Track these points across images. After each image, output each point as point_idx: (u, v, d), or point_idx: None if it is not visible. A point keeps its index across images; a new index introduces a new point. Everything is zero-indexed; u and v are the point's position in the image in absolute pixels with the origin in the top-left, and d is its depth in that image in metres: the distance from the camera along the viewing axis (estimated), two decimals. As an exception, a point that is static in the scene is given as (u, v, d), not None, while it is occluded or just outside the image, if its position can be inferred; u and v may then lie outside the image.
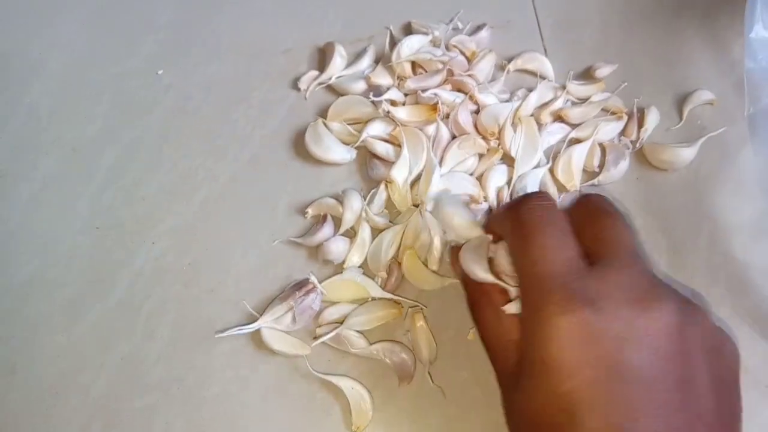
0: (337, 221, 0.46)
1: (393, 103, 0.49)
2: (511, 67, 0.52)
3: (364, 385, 0.42)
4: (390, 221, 0.46)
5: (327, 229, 0.46)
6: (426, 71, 0.51)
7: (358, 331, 0.43)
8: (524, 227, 0.29)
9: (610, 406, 0.24)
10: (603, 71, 0.52)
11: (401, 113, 0.47)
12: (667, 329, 0.26)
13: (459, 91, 0.50)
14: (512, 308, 0.30)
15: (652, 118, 0.49)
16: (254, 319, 0.43)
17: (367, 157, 0.49)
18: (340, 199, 0.47)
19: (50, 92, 0.52)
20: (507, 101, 0.50)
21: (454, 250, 0.33)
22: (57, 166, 0.50)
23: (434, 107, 0.48)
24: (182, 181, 0.49)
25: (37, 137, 0.51)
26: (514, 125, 0.49)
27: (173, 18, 0.55)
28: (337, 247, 0.45)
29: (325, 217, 0.46)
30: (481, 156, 0.49)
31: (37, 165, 0.50)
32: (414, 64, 0.51)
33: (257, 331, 0.43)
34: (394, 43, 0.52)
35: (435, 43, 0.52)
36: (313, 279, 0.43)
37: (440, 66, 0.50)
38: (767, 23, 0.46)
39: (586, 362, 0.25)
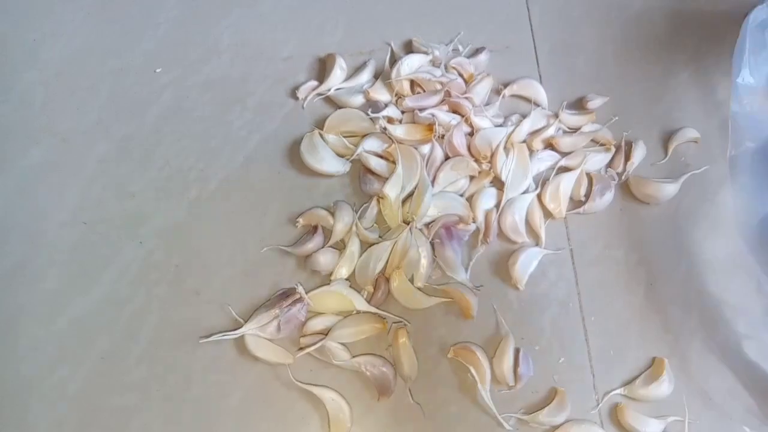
0: (327, 232, 0.47)
1: (390, 120, 0.50)
2: (507, 92, 0.53)
3: (344, 396, 0.42)
4: (380, 236, 0.47)
5: (317, 240, 0.46)
6: (424, 90, 0.52)
7: (341, 344, 0.43)
8: None
9: None
10: (595, 103, 0.53)
11: (398, 131, 0.48)
12: None
13: (455, 112, 0.51)
14: None
15: (639, 153, 0.51)
16: (239, 325, 0.43)
17: (360, 171, 0.49)
18: (331, 210, 0.47)
19: (45, 81, 0.52)
20: (501, 125, 0.51)
21: None
22: (47, 157, 0.49)
23: (431, 127, 0.49)
24: (173, 181, 0.49)
25: (28, 125, 0.50)
26: (506, 150, 0.50)
27: (175, 16, 0.55)
28: (325, 258, 0.45)
29: (315, 228, 0.47)
30: (472, 178, 0.50)
31: (27, 154, 0.49)
32: (412, 83, 0.52)
33: (241, 337, 0.43)
34: (394, 59, 0.53)
35: (435, 63, 0.53)
36: (301, 289, 0.44)
37: (439, 87, 0.51)
38: (753, 70, 0.48)
39: None
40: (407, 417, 0.43)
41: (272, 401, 0.43)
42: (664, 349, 0.46)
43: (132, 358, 0.43)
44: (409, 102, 0.50)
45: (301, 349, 0.43)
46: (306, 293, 0.44)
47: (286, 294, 0.44)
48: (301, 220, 0.47)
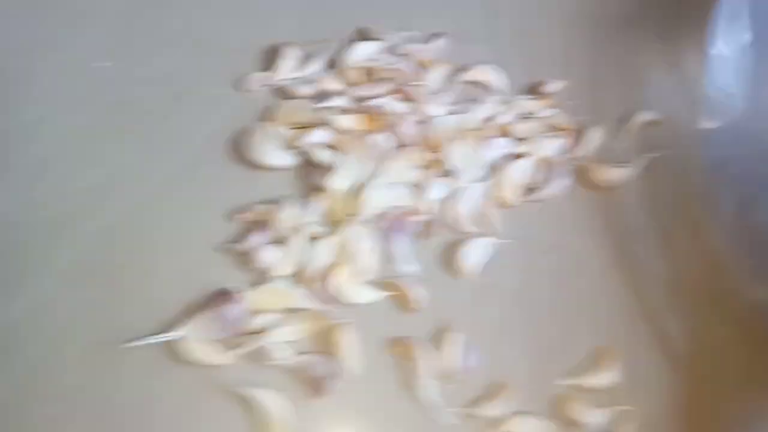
0: (272, 228, 0.45)
1: (340, 110, 0.48)
2: (463, 78, 0.51)
3: (283, 397, 0.41)
4: (327, 231, 0.45)
5: (260, 236, 0.45)
6: (376, 79, 0.50)
7: (282, 342, 0.42)
8: None
9: None
10: (553, 86, 0.51)
11: (345, 121, 0.46)
12: None
13: (408, 100, 0.49)
14: None
15: (597, 136, 0.49)
16: (175, 328, 0.42)
17: (308, 163, 0.47)
18: (276, 205, 0.46)
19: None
20: (456, 113, 0.49)
21: None
22: (-18, 156, 0.48)
23: (379, 117, 0.47)
24: (114, 179, 0.47)
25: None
26: (458, 138, 0.48)
27: (119, 7, 0.53)
28: (269, 255, 0.44)
29: (258, 224, 0.45)
30: (423, 168, 0.48)
31: (-39, 153, 0.48)
32: (365, 71, 0.50)
33: (176, 340, 0.42)
34: (348, 47, 0.51)
35: (389, 51, 0.51)
36: (237, 287, 0.42)
37: (390, 74, 0.49)
38: (728, 41, 0.46)
39: None
40: (351, 416, 0.41)
41: (208, 405, 0.41)
42: (614, 338, 0.44)
43: (63, 365, 0.41)
44: (357, 91, 0.48)
45: (237, 349, 0.41)
46: (247, 291, 0.43)
47: (224, 293, 0.42)
48: (243, 217, 0.46)
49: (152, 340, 0.41)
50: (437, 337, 0.43)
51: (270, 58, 0.52)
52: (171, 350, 0.42)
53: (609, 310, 0.45)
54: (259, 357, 0.41)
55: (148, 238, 0.45)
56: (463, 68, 0.52)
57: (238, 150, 0.48)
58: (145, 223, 0.46)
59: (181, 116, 0.50)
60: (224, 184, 0.47)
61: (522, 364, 0.43)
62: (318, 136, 0.47)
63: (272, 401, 0.40)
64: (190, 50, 0.52)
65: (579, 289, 0.45)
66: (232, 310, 0.42)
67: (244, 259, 0.45)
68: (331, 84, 0.49)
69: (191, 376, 0.41)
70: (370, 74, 0.50)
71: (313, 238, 0.45)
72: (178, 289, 0.44)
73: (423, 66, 0.51)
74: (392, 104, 0.47)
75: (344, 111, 0.48)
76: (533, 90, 0.52)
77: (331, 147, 0.47)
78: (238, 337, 0.42)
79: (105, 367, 0.42)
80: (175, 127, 0.49)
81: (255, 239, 0.44)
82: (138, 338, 0.42)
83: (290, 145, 0.47)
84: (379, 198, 0.45)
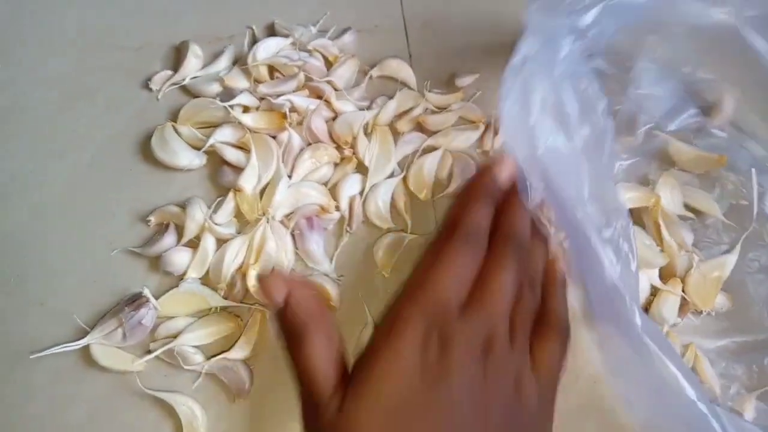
0: (181, 230, 0.45)
1: (246, 108, 0.48)
2: (373, 73, 0.51)
3: (197, 401, 0.41)
4: (238, 231, 0.45)
5: (168, 239, 0.44)
6: (284, 75, 0.49)
7: (195, 346, 0.42)
8: None
9: None
10: (464, 80, 0.52)
11: (249, 119, 0.46)
12: None
13: (318, 98, 0.49)
14: None
15: (506, 129, 0.50)
16: (85, 335, 0.41)
17: (217, 163, 0.47)
18: (186, 207, 0.45)
19: None
20: (367, 108, 0.50)
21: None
22: None
23: (284, 114, 0.47)
24: (13, 185, 0.46)
25: None
26: (369, 134, 0.48)
27: (10, 5, 0.51)
28: (178, 257, 0.43)
29: (167, 226, 0.44)
30: (336, 165, 0.48)
31: None
32: (272, 68, 0.50)
33: (87, 348, 0.41)
34: (255, 44, 0.51)
35: (297, 46, 0.51)
36: (146, 292, 0.42)
37: (298, 71, 0.49)
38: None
39: None
40: (267, 418, 0.41)
41: (122, 411, 0.41)
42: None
43: (-33, 378, 0.40)
44: (263, 88, 0.48)
45: (149, 352, 0.41)
46: (158, 296, 0.42)
47: (133, 299, 0.42)
48: (152, 219, 0.45)
49: (59, 349, 0.40)
50: (356, 334, 0.44)
51: (177, 56, 0.51)
52: (83, 357, 0.41)
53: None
54: (171, 361, 0.41)
55: (53, 245, 0.44)
56: (372, 63, 0.52)
57: (145, 150, 0.47)
58: (47, 230, 0.45)
59: (80, 117, 0.48)
60: (131, 186, 0.47)
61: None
62: (224, 134, 0.46)
63: (185, 405, 0.40)
64: (88, 50, 0.50)
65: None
66: (140, 315, 0.41)
67: (154, 262, 0.44)
68: (238, 81, 0.48)
69: (105, 383, 0.41)
70: (277, 71, 0.49)
71: (224, 240, 0.44)
72: (86, 296, 0.43)
73: (332, 61, 0.51)
74: (298, 101, 0.47)
75: (252, 109, 0.47)
76: (448, 83, 0.52)
77: (240, 146, 0.47)
78: (151, 341, 0.41)
79: (15, 378, 0.41)
80: (75, 129, 0.48)
81: (164, 242, 0.44)
82: (47, 347, 0.41)
83: (198, 145, 0.47)
84: (290, 196, 0.45)
